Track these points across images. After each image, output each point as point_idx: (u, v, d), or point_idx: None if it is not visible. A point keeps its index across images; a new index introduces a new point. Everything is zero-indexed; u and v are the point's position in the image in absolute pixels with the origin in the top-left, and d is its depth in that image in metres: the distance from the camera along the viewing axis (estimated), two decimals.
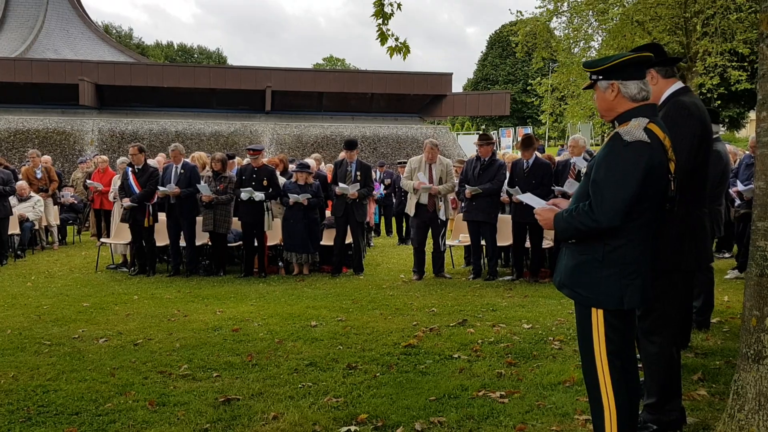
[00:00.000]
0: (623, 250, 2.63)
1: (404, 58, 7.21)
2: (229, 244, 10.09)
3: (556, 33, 31.20)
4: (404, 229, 13.73)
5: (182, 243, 9.83)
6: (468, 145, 27.86)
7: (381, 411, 3.96)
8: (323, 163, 12.52)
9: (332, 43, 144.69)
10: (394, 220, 14.70)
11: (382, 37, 7.24)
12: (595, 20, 32.10)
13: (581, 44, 33.15)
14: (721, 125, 40.70)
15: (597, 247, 2.64)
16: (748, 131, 40.29)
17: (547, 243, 8.70)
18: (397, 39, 7.31)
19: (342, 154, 9.63)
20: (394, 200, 14.63)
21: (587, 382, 2.77)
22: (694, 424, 3.47)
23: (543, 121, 43.02)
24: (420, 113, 25.98)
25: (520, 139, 8.49)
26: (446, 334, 5.74)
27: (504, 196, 8.60)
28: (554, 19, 30.01)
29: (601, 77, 2.70)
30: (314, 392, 4.36)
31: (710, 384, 4.24)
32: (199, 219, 9.80)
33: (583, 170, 4.28)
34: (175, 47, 71.77)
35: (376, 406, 4.06)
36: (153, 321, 6.54)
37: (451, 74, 25.13)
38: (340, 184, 9.08)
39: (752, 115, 43.87)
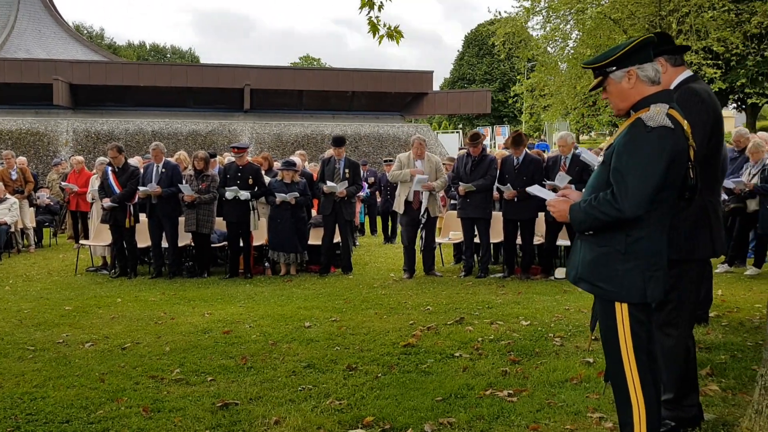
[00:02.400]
0: (646, 241, 2.52)
1: (398, 43, 7.08)
2: (212, 245, 9.88)
3: (533, 32, 31.40)
4: (389, 228, 13.60)
5: (164, 244, 9.60)
6: (448, 143, 27.84)
7: (387, 413, 3.83)
8: (307, 162, 12.34)
9: (306, 41, 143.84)
10: (379, 219, 14.55)
11: (373, 28, 7.11)
12: (572, 19, 32.36)
13: (559, 43, 33.43)
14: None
15: (618, 238, 2.54)
16: (726, 127, 40.77)
17: (538, 240, 8.63)
18: (388, 27, 7.19)
19: (330, 152, 9.47)
20: (378, 199, 14.51)
21: (613, 379, 2.67)
22: (712, 420, 3.39)
23: (523, 120, 43.23)
24: (401, 112, 25.86)
25: (510, 136, 8.40)
26: (445, 332, 5.62)
27: (495, 193, 8.52)
28: (532, 18, 30.21)
29: (614, 68, 2.60)
30: (315, 395, 4.21)
31: (719, 379, 4.17)
32: (182, 219, 9.58)
33: (596, 164, 4.18)
34: (148, 47, 70.89)
35: (381, 407, 3.92)
36: (139, 324, 6.33)
37: (431, 72, 25.07)
38: (328, 182, 8.92)
39: (726, 112, 44.46)
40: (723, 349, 4.84)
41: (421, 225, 8.51)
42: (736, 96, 34.90)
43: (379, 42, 7.18)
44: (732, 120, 50.28)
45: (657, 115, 2.44)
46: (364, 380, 4.46)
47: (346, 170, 9.12)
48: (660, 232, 2.55)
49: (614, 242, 2.54)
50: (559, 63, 33.42)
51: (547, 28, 32.15)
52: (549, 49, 34.59)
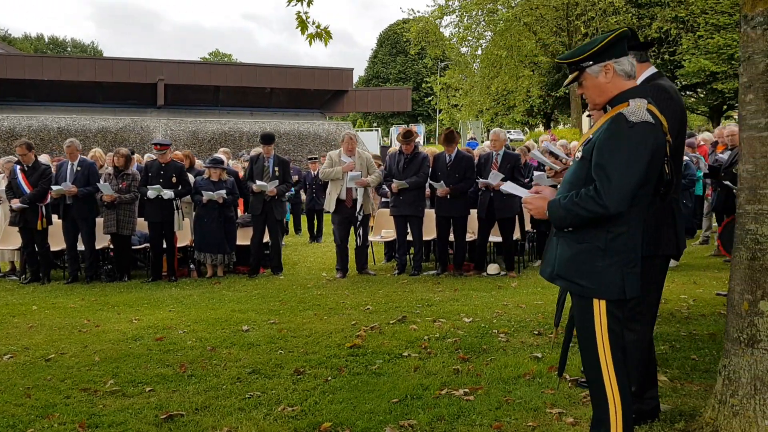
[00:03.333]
0: (625, 237, 2.53)
1: (326, 45, 6.96)
2: (133, 247, 9.41)
3: (447, 32, 31.93)
4: (315, 227, 13.41)
5: (80, 247, 9.06)
6: (368, 141, 27.80)
7: (344, 417, 3.71)
8: (232, 159, 11.98)
9: (215, 37, 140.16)
10: (304, 218, 14.33)
11: (302, 25, 6.95)
12: (484, 20, 33.13)
13: (472, 42, 34.16)
14: None
15: (599, 234, 2.52)
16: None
17: (470, 236, 8.70)
18: (318, 26, 7.04)
19: (257, 149, 9.21)
20: (303, 197, 14.29)
21: (588, 375, 2.66)
22: (668, 411, 3.47)
23: (440, 119, 43.86)
24: (321, 109, 25.63)
25: (443, 133, 8.43)
26: (389, 332, 5.54)
27: (427, 191, 8.53)
28: (445, 17, 30.74)
29: (591, 62, 2.59)
30: (265, 402, 4.03)
31: (664, 369, 4.29)
32: (99, 220, 9.07)
33: (544, 165, 4.18)
34: (46, 40, 67.27)
35: (337, 412, 3.80)
36: (62, 333, 5.91)
37: (351, 69, 24.97)
38: (258, 181, 8.66)
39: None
40: (660, 340, 4.99)
41: (358, 222, 8.40)
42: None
43: (309, 42, 7.04)
44: None
45: (638, 110, 2.44)
46: (314, 384, 4.32)
47: (276, 168, 8.89)
48: (637, 228, 2.56)
49: (594, 239, 2.53)
50: (472, 63, 34.18)
51: (461, 28, 32.86)
52: (462, 49, 35.34)
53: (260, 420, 3.74)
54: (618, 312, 2.57)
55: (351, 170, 8.36)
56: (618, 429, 2.54)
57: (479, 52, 33.11)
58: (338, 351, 5.04)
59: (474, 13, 32.61)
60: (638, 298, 3.09)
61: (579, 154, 2.60)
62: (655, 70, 3.30)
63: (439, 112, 38.50)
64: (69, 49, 67.84)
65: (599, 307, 2.54)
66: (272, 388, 4.26)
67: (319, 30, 7.00)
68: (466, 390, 4.03)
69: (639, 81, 3.24)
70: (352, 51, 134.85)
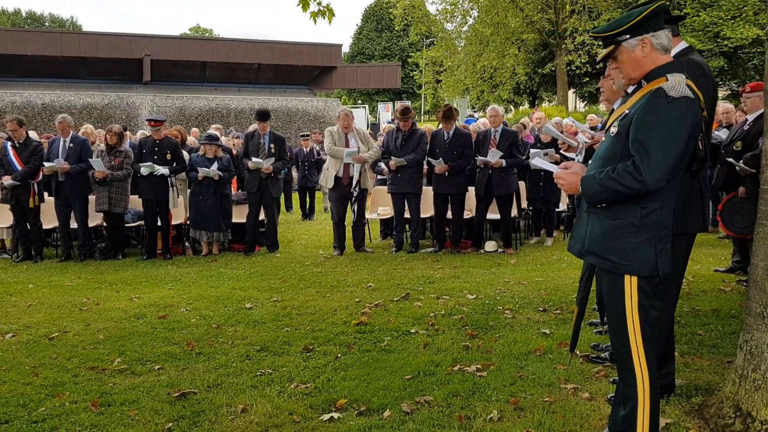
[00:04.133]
0: (659, 214, 2.51)
1: (330, 22, 6.86)
2: (126, 225, 9.31)
3: (433, 8, 31.77)
4: (307, 204, 13.34)
5: (73, 224, 8.95)
6: (357, 118, 27.61)
7: (358, 394, 3.71)
8: (225, 136, 11.85)
9: (194, 6, 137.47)
10: (295, 195, 14.25)
11: (304, 3, 6.84)
12: None
13: (458, 19, 33.97)
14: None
15: (633, 210, 2.51)
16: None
17: (467, 214, 8.70)
18: (319, 3, 6.94)
19: (253, 126, 9.10)
20: (295, 175, 14.20)
21: (617, 351, 2.66)
22: (684, 386, 3.50)
23: (422, 94, 43.65)
24: (309, 85, 25.38)
25: (441, 110, 8.36)
26: (394, 309, 5.54)
27: (424, 168, 8.50)
28: None
29: (628, 36, 2.55)
30: (277, 379, 4.02)
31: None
32: (92, 198, 8.95)
33: (582, 144, 4.14)
34: (24, 14, 65.79)
35: (351, 389, 3.80)
36: (62, 311, 5.85)
37: (340, 45, 24.72)
38: (253, 158, 8.57)
39: None
40: None
41: (353, 199, 8.36)
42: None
43: (313, 20, 6.95)
44: None
45: (678, 85, 2.41)
46: (324, 361, 4.31)
47: (272, 145, 8.80)
48: (671, 204, 2.55)
49: (628, 215, 2.51)
50: (458, 41, 34.00)
51: (447, 4, 32.66)
52: (448, 26, 35.13)
53: (274, 397, 3.73)
54: (648, 288, 2.57)
55: (360, 162, 8.29)
56: (645, 405, 2.55)
57: (465, 28, 32.99)
58: (345, 328, 5.04)
59: None
60: (661, 276, 3.11)
61: (614, 129, 2.57)
62: (686, 44, 3.27)
63: (420, 88, 38.36)
64: (47, 23, 66.49)
65: (630, 284, 2.54)
66: (283, 366, 4.25)
67: (321, 8, 6.90)
68: (479, 366, 4.05)
69: (671, 54, 3.21)
70: (335, 26, 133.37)
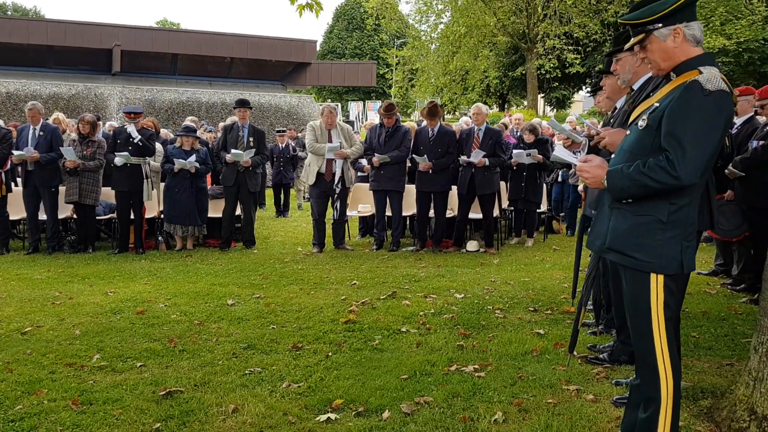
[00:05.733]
0: (687, 210, 2.43)
1: (317, 16, 6.74)
2: (98, 217, 9.00)
3: (406, 9, 31.80)
4: (282, 201, 13.12)
5: (42, 216, 8.61)
6: None
7: (354, 394, 3.58)
8: (203, 129, 11.55)
9: (164, 4, 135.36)
10: (269, 192, 14.00)
11: None
12: None
13: (431, 19, 33.98)
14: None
15: (661, 206, 2.42)
16: (573, 111, 43.34)
17: (450, 213, 8.61)
18: None
19: (232, 118, 8.88)
20: (270, 170, 13.96)
21: (640, 350, 2.56)
22: (689, 388, 3.45)
23: (392, 95, 43.60)
24: (282, 81, 25.03)
25: (426, 107, 8.24)
26: (382, 307, 5.41)
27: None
28: None
29: (660, 25, 2.46)
30: (267, 378, 3.87)
31: None
32: (62, 189, 8.62)
33: (585, 142, 4.06)
34: None
35: (346, 389, 3.67)
36: (33, 305, 5.59)
37: (315, 42, 24.43)
38: (233, 150, 8.36)
39: (576, 96, 47.18)
40: None
41: (336, 196, 8.20)
42: (592, 80, 37.30)
43: (300, 13, 6.83)
44: (581, 103, 53.66)
45: (714, 78, 2.33)
46: (315, 360, 4.17)
47: (251, 138, 8.59)
48: (697, 200, 2.47)
49: (656, 211, 2.42)
50: (431, 42, 34.01)
51: (421, 4, 32.63)
52: (422, 27, 35.08)
53: (266, 397, 3.58)
54: (673, 287, 2.49)
55: (342, 158, 8.13)
56: (668, 407, 2.47)
57: (440, 28, 32.99)
58: (333, 326, 4.90)
59: None
60: None
61: (643, 123, 2.47)
62: None
63: (390, 87, 38.26)
64: (9, 12, 64.66)
65: (657, 282, 2.45)
66: (272, 364, 4.10)
67: (309, 1, 6.77)
68: (476, 366, 3.95)
69: None
70: (306, 24, 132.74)
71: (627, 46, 2.63)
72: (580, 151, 4.23)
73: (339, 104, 31.19)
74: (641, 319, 2.50)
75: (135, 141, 8.23)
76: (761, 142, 5.47)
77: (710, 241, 7.97)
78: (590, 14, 28.48)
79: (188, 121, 10.63)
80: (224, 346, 4.46)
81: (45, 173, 8.35)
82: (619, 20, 2.64)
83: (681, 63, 2.45)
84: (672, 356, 2.49)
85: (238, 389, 3.70)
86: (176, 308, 5.49)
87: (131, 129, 8.25)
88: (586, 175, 2.56)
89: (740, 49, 21.21)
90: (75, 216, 8.86)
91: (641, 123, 2.48)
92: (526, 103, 35.54)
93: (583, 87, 39.22)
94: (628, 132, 2.60)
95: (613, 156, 2.65)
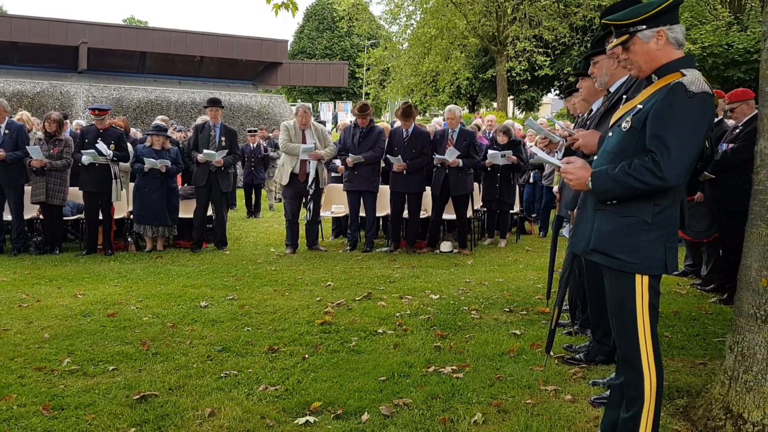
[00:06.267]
0: (670, 211, 2.46)
1: (293, 15, 6.69)
2: (65, 218, 8.81)
3: (377, 10, 31.87)
4: (253, 201, 13.01)
5: (6, 216, 8.40)
6: None
7: (332, 396, 3.55)
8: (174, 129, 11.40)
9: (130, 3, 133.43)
10: (240, 192, 13.87)
11: None
12: None
13: (402, 20, 34.06)
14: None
15: (645, 208, 2.44)
16: (542, 113, 43.87)
17: (423, 213, 8.61)
18: None
19: (203, 118, 8.78)
20: (241, 171, 13.82)
21: (624, 351, 2.57)
22: (665, 387, 3.48)
23: (365, 93, 43.54)
24: (253, 81, 24.81)
25: (400, 108, 8.24)
26: (358, 309, 5.39)
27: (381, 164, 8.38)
28: None
29: (644, 27, 2.48)
30: (244, 381, 3.82)
31: None
32: (28, 188, 8.42)
33: (562, 142, 4.08)
34: None
35: (324, 391, 3.64)
36: (0, 308, 5.44)
37: (287, 41, 24.27)
38: (205, 150, 8.25)
39: (545, 99, 47.69)
40: None
41: (309, 196, 8.14)
42: (561, 83, 37.79)
43: (276, 12, 6.77)
44: (549, 105, 54.25)
45: (697, 80, 2.36)
46: (291, 362, 4.13)
47: (223, 138, 8.50)
48: (680, 201, 2.50)
49: (640, 212, 2.44)
50: (401, 43, 34.09)
51: (392, 5, 32.69)
52: (392, 28, 35.12)
53: (243, 400, 3.53)
54: (657, 287, 2.52)
55: (317, 159, 8.09)
56: (651, 407, 2.50)
57: (410, 30, 33.08)
58: (309, 328, 4.86)
59: None
60: None
61: (627, 125, 2.49)
62: None
63: (364, 87, 38.27)
64: None
65: (642, 283, 2.47)
66: (248, 367, 4.05)
67: (285, 1, 6.72)
68: (454, 367, 3.95)
69: None
70: (277, 23, 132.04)
71: (610, 46, 2.65)
72: (557, 152, 4.27)
73: (311, 105, 31.06)
74: (626, 320, 2.52)
75: (108, 156, 8.06)
76: (731, 145, 5.58)
77: (680, 242, 8.10)
78: (559, 18, 28.79)
79: (158, 120, 10.47)
80: (198, 349, 4.40)
81: (10, 172, 8.15)
82: (603, 21, 2.66)
83: (663, 65, 2.47)
84: (656, 357, 2.51)
85: (214, 392, 3.64)
86: (148, 310, 5.39)
87: (101, 146, 8.04)
88: (570, 177, 2.57)
89: (705, 54, 21.64)
90: (41, 216, 8.67)
91: (625, 125, 2.50)
92: (495, 105, 35.80)
93: (552, 89, 39.67)
94: (610, 134, 2.62)
95: (595, 158, 2.67)
